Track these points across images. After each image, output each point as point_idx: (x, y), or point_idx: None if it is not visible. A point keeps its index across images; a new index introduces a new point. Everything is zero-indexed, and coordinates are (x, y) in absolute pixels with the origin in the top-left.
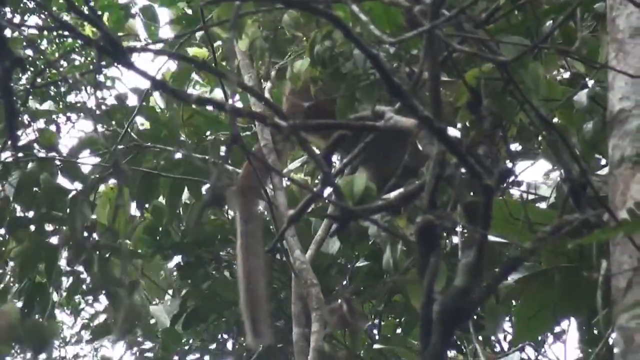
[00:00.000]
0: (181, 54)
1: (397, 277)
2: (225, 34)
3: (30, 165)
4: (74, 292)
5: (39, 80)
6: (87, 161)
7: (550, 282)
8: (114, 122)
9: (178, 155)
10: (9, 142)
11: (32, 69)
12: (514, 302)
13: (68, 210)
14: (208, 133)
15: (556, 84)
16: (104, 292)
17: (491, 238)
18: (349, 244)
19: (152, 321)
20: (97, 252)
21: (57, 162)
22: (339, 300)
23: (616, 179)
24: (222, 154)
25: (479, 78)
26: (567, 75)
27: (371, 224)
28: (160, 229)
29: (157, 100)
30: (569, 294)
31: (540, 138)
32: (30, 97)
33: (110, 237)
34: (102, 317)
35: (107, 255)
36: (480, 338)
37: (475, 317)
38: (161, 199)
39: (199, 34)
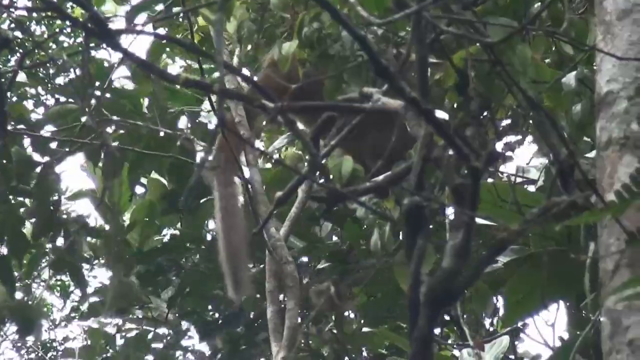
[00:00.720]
0: (169, 36)
1: (382, 260)
2: (212, 16)
3: None
4: (32, 264)
5: (27, 62)
6: (56, 135)
7: (538, 265)
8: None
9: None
10: None
11: (20, 50)
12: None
13: (35, 183)
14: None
15: (544, 66)
16: (68, 268)
17: (479, 220)
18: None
19: None
20: (64, 228)
21: (26, 135)
22: (326, 283)
23: (603, 161)
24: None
25: (467, 59)
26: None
27: (359, 206)
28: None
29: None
30: (557, 277)
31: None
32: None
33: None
34: (91, 299)
35: (75, 230)
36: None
37: (462, 300)
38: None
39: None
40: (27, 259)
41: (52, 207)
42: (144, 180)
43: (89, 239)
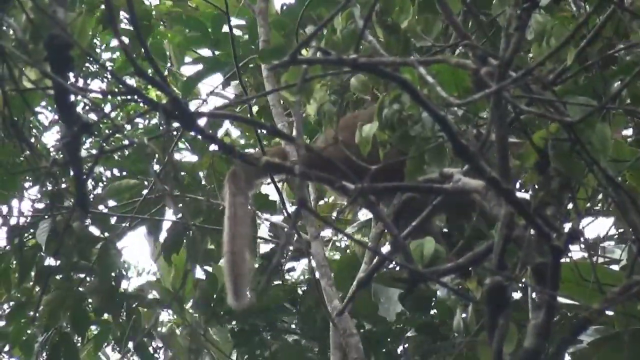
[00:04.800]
0: (250, 118)
1: (467, 339)
2: (292, 98)
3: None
4: (100, 341)
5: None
6: (116, 210)
7: (622, 344)
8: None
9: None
10: (79, 206)
11: (96, 133)
12: None
13: (96, 259)
14: None
15: (624, 145)
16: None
17: (561, 300)
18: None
19: None
20: (125, 302)
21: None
22: None
23: None
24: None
25: (547, 139)
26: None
27: (440, 287)
28: (215, 295)
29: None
30: None
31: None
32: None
33: (177, 306)
34: None
35: (135, 306)
36: None
37: None
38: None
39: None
40: (92, 337)
41: (113, 283)
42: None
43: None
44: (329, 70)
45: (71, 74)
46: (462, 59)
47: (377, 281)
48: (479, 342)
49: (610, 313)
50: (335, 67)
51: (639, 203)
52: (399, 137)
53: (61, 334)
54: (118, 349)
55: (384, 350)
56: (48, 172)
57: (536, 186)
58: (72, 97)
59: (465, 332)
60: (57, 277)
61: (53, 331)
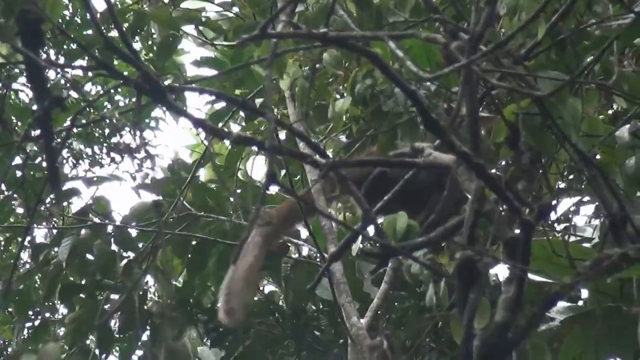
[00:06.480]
0: (222, 92)
1: (441, 313)
2: (263, 72)
3: (83, 232)
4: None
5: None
6: (138, 229)
7: (595, 322)
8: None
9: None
10: (50, 180)
11: (68, 108)
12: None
13: (120, 278)
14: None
15: (597, 120)
16: None
17: (533, 277)
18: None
19: None
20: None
21: (110, 230)
22: (379, 337)
23: None
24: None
25: (518, 113)
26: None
27: (413, 262)
28: (191, 300)
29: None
30: (613, 332)
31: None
32: (74, 139)
33: (164, 280)
34: None
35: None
36: None
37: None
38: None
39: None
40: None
41: (137, 302)
42: None
43: None
44: (301, 45)
45: (52, 53)
46: (434, 33)
47: (360, 258)
48: (451, 316)
49: (583, 292)
50: (307, 41)
51: (610, 178)
52: (372, 112)
53: (85, 352)
54: None
55: None
56: (19, 147)
57: (507, 161)
58: (52, 75)
59: (438, 307)
60: (81, 295)
61: (76, 349)
